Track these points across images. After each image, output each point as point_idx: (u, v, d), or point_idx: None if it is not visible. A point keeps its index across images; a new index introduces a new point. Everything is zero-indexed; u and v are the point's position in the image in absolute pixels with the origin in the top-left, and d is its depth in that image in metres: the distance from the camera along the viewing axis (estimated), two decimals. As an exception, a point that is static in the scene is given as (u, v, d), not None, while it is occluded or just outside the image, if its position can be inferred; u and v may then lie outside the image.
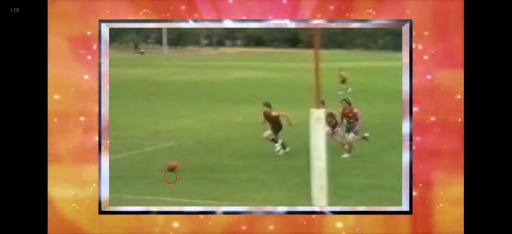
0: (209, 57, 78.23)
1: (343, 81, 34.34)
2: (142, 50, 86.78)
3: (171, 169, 14.13)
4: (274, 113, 16.56)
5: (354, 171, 14.29)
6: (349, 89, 32.72)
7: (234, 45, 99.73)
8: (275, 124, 16.52)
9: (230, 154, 16.32)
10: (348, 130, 16.13)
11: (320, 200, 9.26)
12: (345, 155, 15.91)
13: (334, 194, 9.48)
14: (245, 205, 11.38)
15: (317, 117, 9.33)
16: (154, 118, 23.85)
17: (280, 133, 16.59)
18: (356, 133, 16.18)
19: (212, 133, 20.29)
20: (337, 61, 44.17)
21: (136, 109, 26.41)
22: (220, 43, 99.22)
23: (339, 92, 32.11)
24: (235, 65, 57.62)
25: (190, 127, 21.64)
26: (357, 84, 35.16)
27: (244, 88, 36.32)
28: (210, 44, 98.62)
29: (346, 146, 16.11)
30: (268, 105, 16.70)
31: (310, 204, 9.45)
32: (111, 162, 15.18)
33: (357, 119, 16.23)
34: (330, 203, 9.23)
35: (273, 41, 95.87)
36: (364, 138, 16.78)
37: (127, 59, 65.37)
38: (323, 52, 9.45)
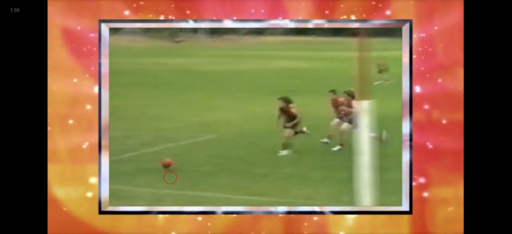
0: (248, 46, 78.23)
1: (381, 71, 33.70)
2: (179, 39, 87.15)
3: (165, 167, 13.92)
4: (293, 110, 16.19)
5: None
6: (378, 83, 32.13)
7: (275, 33, 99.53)
8: (293, 120, 16.10)
9: (271, 147, 16.33)
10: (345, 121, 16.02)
11: (365, 196, 9.28)
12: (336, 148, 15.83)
13: (380, 190, 9.45)
14: (288, 202, 11.44)
15: (362, 109, 9.31)
16: (192, 110, 23.98)
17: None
18: (350, 122, 15.79)
19: (253, 125, 20.32)
20: (382, 50, 43.83)
21: (173, 101, 26.58)
22: (260, 32, 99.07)
23: (377, 83, 31.74)
24: (276, 55, 57.59)
25: (230, 119, 21.70)
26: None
27: (286, 79, 36.25)
28: (249, 33, 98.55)
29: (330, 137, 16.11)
30: (287, 100, 16.31)
31: (354, 201, 9.47)
32: (148, 154, 15.57)
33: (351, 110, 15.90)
34: (375, 200, 9.23)
35: (315, 29, 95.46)
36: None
37: (164, 48, 65.81)
38: (368, 41, 9.42)
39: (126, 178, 13.44)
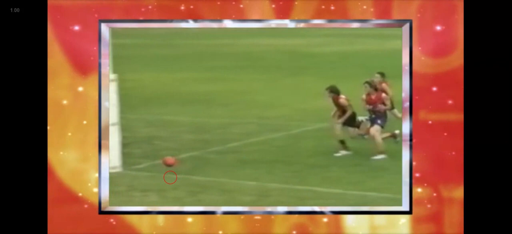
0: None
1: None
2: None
3: (167, 165, 13.19)
4: (342, 100, 14.90)
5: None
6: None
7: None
8: (343, 113, 14.93)
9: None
10: (372, 122, 14.68)
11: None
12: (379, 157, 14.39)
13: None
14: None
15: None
16: (301, 95, 23.95)
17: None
18: (382, 126, 14.71)
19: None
20: None
21: (281, 85, 26.64)
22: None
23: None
24: (395, 34, 56.79)
25: (343, 106, 21.51)
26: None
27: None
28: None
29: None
30: (335, 91, 14.99)
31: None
32: (252, 144, 15.68)
33: (384, 107, 14.84)
34: None
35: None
36: (393, 135, 15.04)
37: (269, 28, 66.20)
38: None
39: (229, 170, 13.61)
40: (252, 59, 35.98)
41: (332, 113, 15.20)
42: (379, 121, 14.69)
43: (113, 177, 13.01)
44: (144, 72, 30.78)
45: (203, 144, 15.95)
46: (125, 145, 14.23)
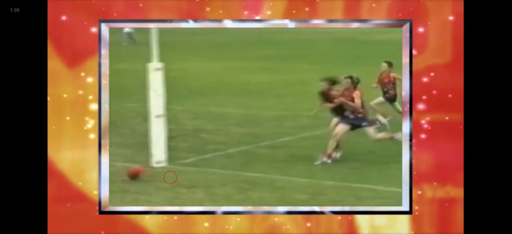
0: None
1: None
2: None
3: (133, 177, 12.76)
4: (335, 92, 14.18)
5: None
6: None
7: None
8: (339, 107, 14.18)
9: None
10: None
11: None
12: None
13: None
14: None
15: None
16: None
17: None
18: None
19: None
20: None
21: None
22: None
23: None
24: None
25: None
26: None
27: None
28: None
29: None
30: (332, 81, 14.27)
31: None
32: (305, 139, 15.53)
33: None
34: None
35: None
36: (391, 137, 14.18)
37: (325, 14, 65.90)
38: None
39: (281, 166, 13.53)
40: (306, 48, 35.85)
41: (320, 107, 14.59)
42: (363, 123, 14.04)
43: (158, 173, 13.05)
44: (191, 60, 30.87)
45: (253, 138, 15.89)
46: (171, 138, 14.20)
